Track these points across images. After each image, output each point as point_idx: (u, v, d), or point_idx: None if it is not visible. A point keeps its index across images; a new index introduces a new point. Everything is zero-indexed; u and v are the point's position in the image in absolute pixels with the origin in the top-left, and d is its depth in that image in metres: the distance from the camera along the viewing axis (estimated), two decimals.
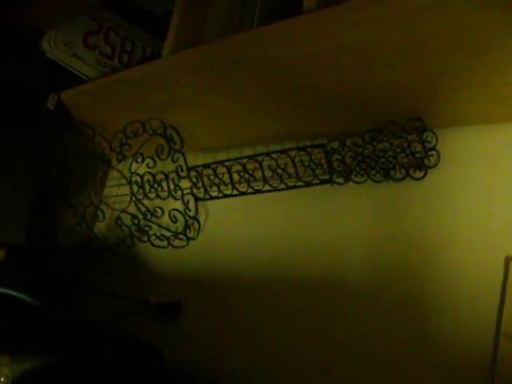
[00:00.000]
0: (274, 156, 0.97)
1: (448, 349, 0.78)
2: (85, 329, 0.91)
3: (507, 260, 0.75)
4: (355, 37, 0.69)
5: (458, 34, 0.64)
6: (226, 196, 1.04)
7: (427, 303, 0.81)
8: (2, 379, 0.69)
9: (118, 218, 1.19)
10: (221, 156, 1.13)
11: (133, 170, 1.14)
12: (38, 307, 0.91)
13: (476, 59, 0.69)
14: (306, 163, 0.94)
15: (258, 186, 1.00)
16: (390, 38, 0.68)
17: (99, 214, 1.25)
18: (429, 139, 0.86)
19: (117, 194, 1.24)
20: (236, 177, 1.02)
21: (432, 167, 0.86)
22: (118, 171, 1.18)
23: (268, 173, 0.98)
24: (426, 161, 0.86)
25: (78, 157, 1.23)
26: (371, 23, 0.65)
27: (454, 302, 0.79)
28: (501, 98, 0.76)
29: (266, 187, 0.99)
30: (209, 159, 1.13)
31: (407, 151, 0.88)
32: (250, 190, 1.01)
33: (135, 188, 1.15)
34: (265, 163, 0.98)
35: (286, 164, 0.97)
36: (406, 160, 0.88)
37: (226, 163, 1.02)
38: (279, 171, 0.97)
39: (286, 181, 0.97)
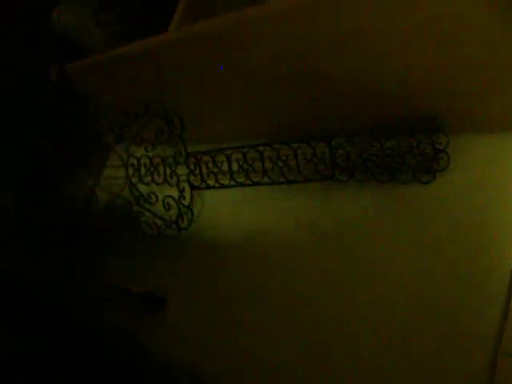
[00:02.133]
0: (276, 147, 0.92)
1: (445, 355, 0.73)
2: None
3: None
4: (373, 19, 0.65)
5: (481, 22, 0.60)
6: (222, 186, 1.00)
7: (429, 309, 0.77)
8: None
9: (112, 202, 1.15)
10: (221, 146, 1.08)
11: (130, 153, 1.10)
12: None
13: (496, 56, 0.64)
14: (309, 157, 0.90)
15: (256, 177, 0.96)
16: (407, 23, 0.64)
17: (93, 196, 1.20)
18: (440, 141, 0.81)
19: (114, 176, 1.19)
20: (235, 166, 0.98)
21: (441, 171, 0.81)
22: (116, 153, 1.14)
23: (268, 164, 0.94)
24: (434, 163, 0.82)
25: (78, 136, 1.20)
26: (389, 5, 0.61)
27: (457, 309, 0.74)
28: None
29: (265, 179, 0.94)
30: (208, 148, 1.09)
31: (415, 151, 0.83)
32: (248, 182, 0.97)
33: (131, 171, 1.10)
34: (266, 154, 0.94)
35: (287, 157, 0.92)
36: (413, 161, 0.83)
37: (226, 151, 0.97)
38: (280, 163, 0.93)
39: (286, 174, 0.93)
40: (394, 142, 0.84)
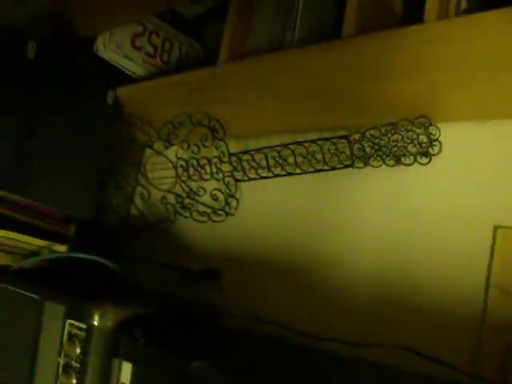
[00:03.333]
0: (306, 145, 1.17)
1: (442, 300, 1.00)
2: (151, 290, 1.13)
3: (495, 228, 0.97)
4: (375, 59, 0.90)
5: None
6: (262, 178, 1.25)
7: (427, 262, 1.04)
8: (109, 322, 0.89)
9: (163, 197, 1.39)
10: (251, 143, 1.32)
11: (179, 156, 1.34)
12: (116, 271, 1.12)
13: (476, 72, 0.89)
14: (332, 151, 1.15)
15: (290, 169, 1.21)
16: (405, 60, 0.89)
17: (145, 193, 1.45)
18: (433, 132, 1.07)
19: (160, 176, 1.43)
20: (271, 161, 1.23)
21: (435, 155, 1.07)
22: (165, 156, 1.38)
23: (299, 159, 1.19)
24: (430, 150, 1.07)
25: (127, 143, 1.43)
26: (386, 50, 0.87)
27: (451, 260, 1.01)
28: (491, 102, 0.97)
29: (298, 170, 1.20)
30: (241, 145, 1.33)
31: (415, 142, 1.08)
32: (283, 173, 1.22)
33: (180, 171, 1.35)
34: (296, 151, 1.19)
35: (314, 152, 1.17)
36: (414, 149, 1.09)
37: (264, 150, 1.22)
38: (309, 157, 1.18)
39: (314, 165, 1.18)
40: (399, 135, 1.09)
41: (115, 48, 1.35)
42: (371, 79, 0.97)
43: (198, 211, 1.35)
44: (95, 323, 0.89)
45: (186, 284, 1.33)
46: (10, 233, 1.14)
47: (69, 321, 0.91)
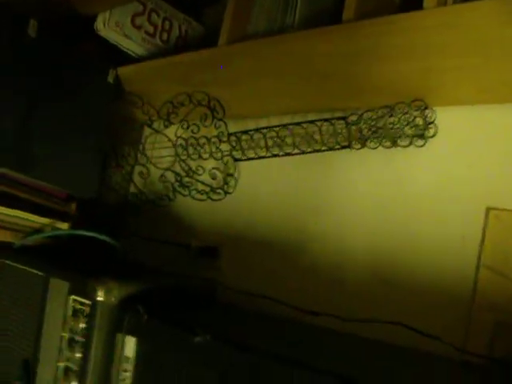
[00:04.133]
0: (304, 126, 1.19)
1: (434, 279, 1.03)
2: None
3: (487, 209, 1.00)
4: (373, 44, 0.92)
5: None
6: (260, 157, 1.27)
7: (420, 241, 1.07)
8: (113, 299, 0.92)
9: (162, 175, 1.41)
10: (251, 123, 1.35)
11: (178, 135, 1.36)
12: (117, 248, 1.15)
13: (471, 58, 0.91)
14: (330, 132, 1.17)
15: (288, 149, 1.23)
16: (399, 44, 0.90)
17: (144, 171, 1.47)
18: (429, 115, 1.09)
19: (160, 155, 1.45)
20: (270, 142, 1.25)
21: (431, 137, 1.09)
22: (165, 135, 1.40)
23: (297, 139, 1.21)
24: (426, 132, 1.09)
25: (126, 122, 1.44)
26: (385, 35, 0.89)
27: (444, 240, 1.04)
28: (484, 88, 0.99)
29: (296, 151, 1.22)
30: (240, 125, 1.35)
31: (411, 124, 1.10)
32: (281, 153, 1.24)
33: (180, 150, 1.36)
34: (295, 131, 1.21)
35: (312, 132, 1.19)
36: (410, 131, 1.11)
37: (262, 130, 1.24)
38: (307, 138, 1.20)
39: (312, 146, 1.20)
40: (396, 118, 1.12)
41: (115, 27, 1.35)
42: (369, 63, 0.98)
43: (196, 189, 1.38)
44: (100, 299, 0.91)
45: (185, 261, 1.36)
46: (14, 210, 1.16)
47: (73, 297, 0.94)
